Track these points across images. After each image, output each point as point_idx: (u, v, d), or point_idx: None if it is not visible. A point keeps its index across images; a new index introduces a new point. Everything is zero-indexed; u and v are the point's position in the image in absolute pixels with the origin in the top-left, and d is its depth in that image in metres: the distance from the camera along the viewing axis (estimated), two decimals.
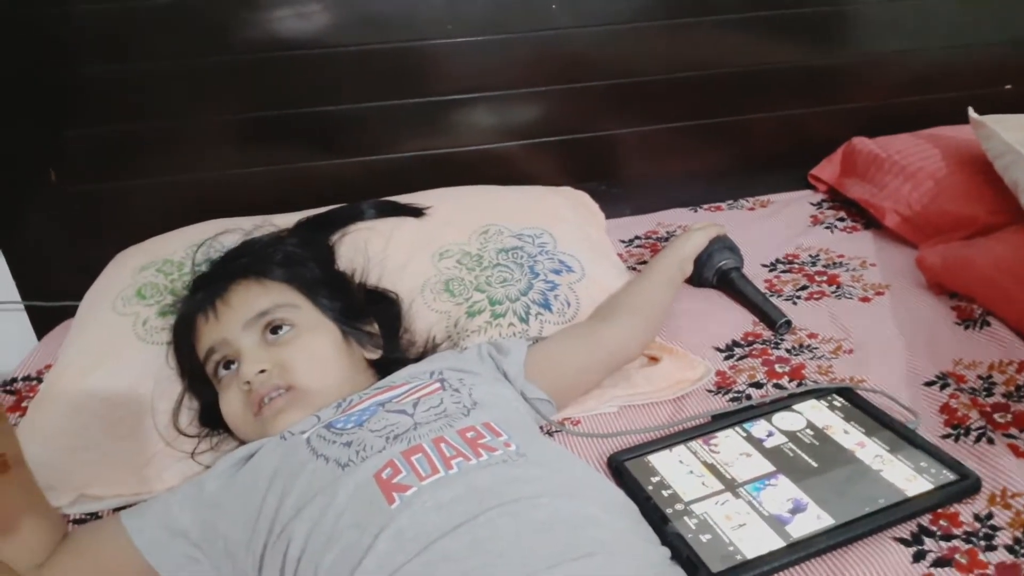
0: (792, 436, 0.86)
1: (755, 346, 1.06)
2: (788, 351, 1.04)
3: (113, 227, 1.25)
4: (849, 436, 0.85)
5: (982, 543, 0.71)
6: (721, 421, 0.90)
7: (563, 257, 1.12)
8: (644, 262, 1.31)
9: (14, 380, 1.08)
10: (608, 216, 1.40)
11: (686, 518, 0.76)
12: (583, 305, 1.06)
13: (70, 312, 1.23)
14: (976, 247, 1.11)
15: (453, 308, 1.04)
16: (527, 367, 0.89)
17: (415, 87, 1.32)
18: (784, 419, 0.89)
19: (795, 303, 1.15)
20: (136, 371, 0.93)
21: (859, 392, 0.92)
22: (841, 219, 1.41)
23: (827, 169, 1.52)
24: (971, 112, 1.24)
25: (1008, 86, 1.54)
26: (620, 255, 1.29)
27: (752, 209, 1.49)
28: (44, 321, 1.27)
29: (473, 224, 1.16)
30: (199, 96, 1.24)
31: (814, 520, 0.74)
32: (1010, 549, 0.70)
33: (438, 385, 0.77)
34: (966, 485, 0.77)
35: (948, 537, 0.72)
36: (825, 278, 1.21)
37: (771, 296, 1.16)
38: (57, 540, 0.71)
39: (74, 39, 1.16)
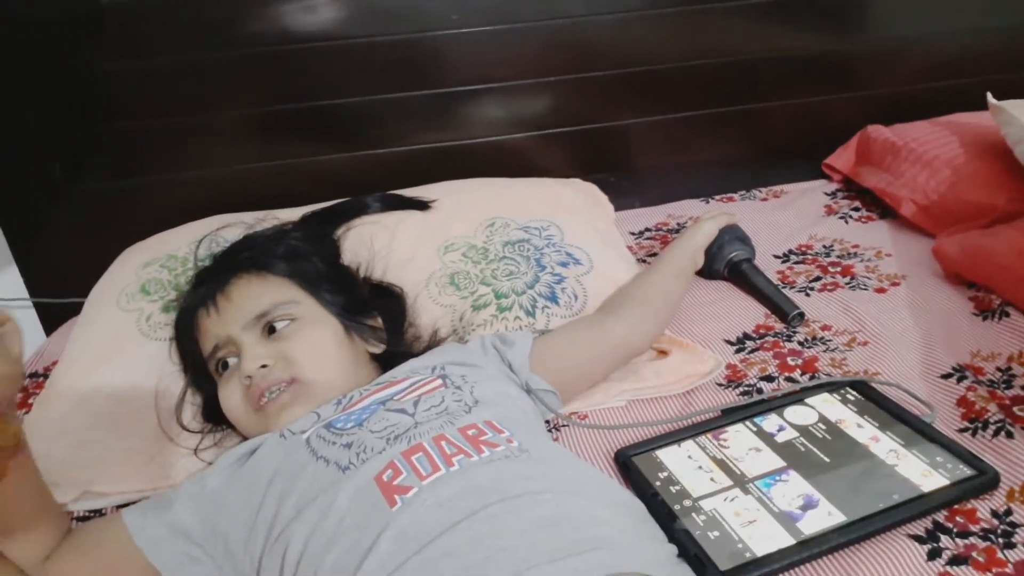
0: (804, 430, 0.84)
1: (767, 339, 1.03)
2: (801, 344, 1.02)
3: (122, 224, 1.25)
4: (863, 430, 0.83)
5: (1000, 541, 0.69)
6: (731, 415, 0.88)
7: (570, 250, 1.11)
8: (654, 254, 1.29)
9: (32, 376, 1.08)
10: (617, 208, 1.38)
11: (694, 515, 0.74)
12: (591, 298, 1.04)
13: (78, 309, 1.24)
14: (995, 236, 1.08)
15: (458, 302, 1.03)
16: (532, 359, 0.87)
17: (423, 79, 1.31)
18: (796, 413, 0.87)
19: (808, 295, 1.13)
20: (140, 367, 0.92)
21: (873, 385, 0.90)
22: (856, 209, 1.38)
23: (842, 158, 1.49)
24: (989, 97, 1.21)
25: None
26: (630, 247, 1.27)
27: (765, 199, 1.47)
28: (53, 318, 1.28)
29: (479, 217, 1.15)
30: (207, 92, 1.24)
31: (825, 517, 0.72)
32: None
33: (439, 382, 0.76)
34: (984, 481, 0.75)
35: (965, 534, 0.70)
36: (839, 269, 1.19)
37: (783, 288, 1.14)
38: (61, 536, 0.70)
39: (86, 37, 1.15)
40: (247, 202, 1.21)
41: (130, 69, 1.19)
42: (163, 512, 0.70)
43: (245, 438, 0.82)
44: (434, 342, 0.95)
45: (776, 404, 0.88)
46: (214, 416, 0.86)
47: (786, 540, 0.70)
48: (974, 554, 0.68)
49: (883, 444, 0.81)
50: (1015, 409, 0.85)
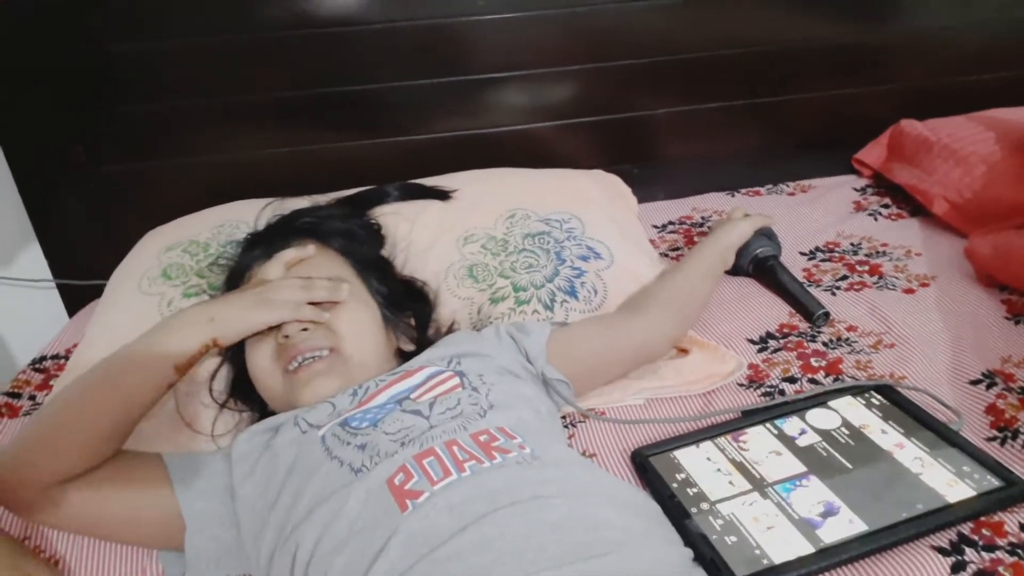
0: (826, 435, 0.82)
1: (790, 338, 1.01)
2: (825, 344, 1.00)
3: (142, 207, 1.25)
4: (887, 436, 0.81)
5: None
6: (752, 417, 0.86)
7: (591, 243, 1.09)
8: (677, 248, 1.27)
9: (43, 359, 1.09)
10: (640, 200, 1.36)
11: (711, 518, 0.73)
12: (611, 293, 1.03)
13: (100, 291, 1.24)
14: None
15: (476, 294, 1.02)
16: (549, 349, 0.86)
17: (445, 66, 1.29)
18: (818, 416, 0.85)
19: (834, 294, 1.11)
20: None
21: (899, 390, 0.88)
22: (886, 205, 1.35)
23: (873, 153, 1.46)
24: None
25: None
26: (652, 241, 1.26)
27: (792, 194, 1.44)
28: (75, 300, 1.29)
29: (499, 208, 1.14)
30: (228, 75, 1.23)
31: (846, 525, 0.70)
32: None
33: (457, 380, 0.75)
34: (1012, 492, 0.72)
35: (991, 548, 0.68)
36: (867, 268, 1.16)
37: (809, 286, 1.12)
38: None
39: (103, 19, 1.15)
40: (265, 188, 1.20)
41: (149, 50, 1.18)
42: (213, 484, 0.70)
43: (263, 416, 0.82)
44: (448, 332, 0.94)
45: (798, 407, 0.87)
46: (240, 391, 0.86)
47: (805, 548, 0.69)
48: (1000, 569, 0.66)
49: (908, 451, 0.79)
50: None
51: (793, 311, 1.07)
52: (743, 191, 1.46)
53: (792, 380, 0.94)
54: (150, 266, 1.03)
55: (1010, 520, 0.71)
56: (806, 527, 0.71)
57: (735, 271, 1.16)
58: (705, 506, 0.74)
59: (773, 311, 1.08)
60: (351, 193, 1.14)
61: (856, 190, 1.42)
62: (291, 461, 0.69)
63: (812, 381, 0.93)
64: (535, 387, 0.82)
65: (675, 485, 0.77)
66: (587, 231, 1.11)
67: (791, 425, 0.84)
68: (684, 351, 0.97)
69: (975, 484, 0.74)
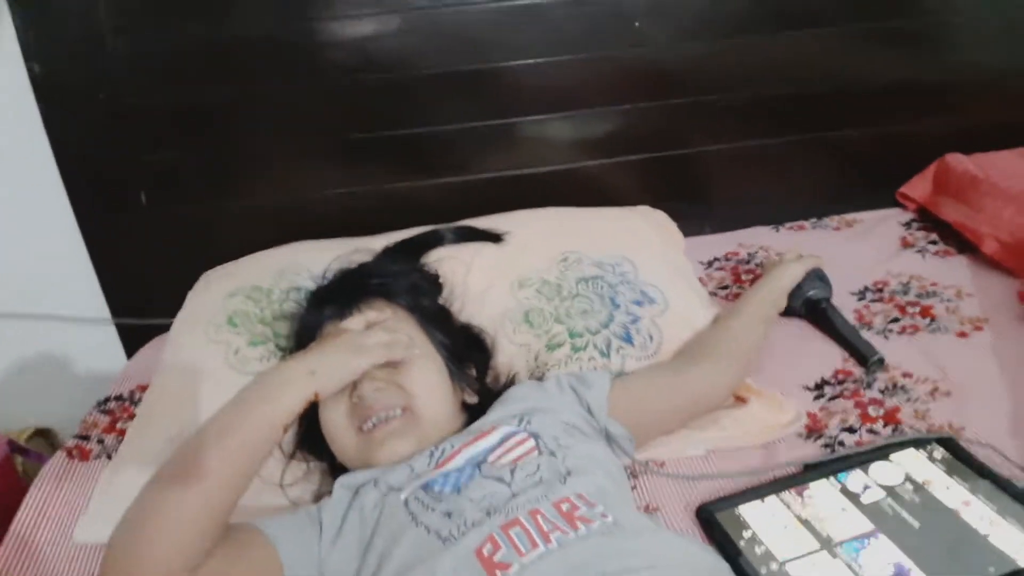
0: (891, 491, 0.83)
1: (846, 385, 1.02)
2: (881, 392, 1.00)
3: (202, 246, 1.28)
4: (951, 493, 0.82)
5: None
6: (814, 471, 0.87)
7: (645, 287, 1.10)
8: (725, 287, 1.28)
9: (107, 400, 1.12)
10: (686, 234, 1.37)
11: None
12: (666, 339, 1.04)
13: (160, 329, 1.27)
14: None
15: (533, 340, 1.04)
16: (610, 402, 0.88)
17: (498, 107, 1.31)
18: (881, 470, 0.86)
19: (887, 337, 1.11)
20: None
21: (962, 443, 0.88)
22: (933, 242, 1.35)
23: (918, 187, 1.45)
24: None
25: None
26: (700, 278, 1.26)
27: (838, 228, 1.44)
28: (133, 338, 1.31)
29: (552, 251, 1.15)
30: (288, 119, 1.25)
31: None
32: None
33: (533, 444, 0.76)
34: None
35: None
36: (918, 309, 1.16)
37: (861, 329, 1.12)
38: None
39: (171, 64, 1.18)
40: (323, 229, 1.24)
41: (213, 96, 1.21)
42: (309, 554, 0.71)
43: (334, 470, 0.84)
44: (510, 383, 0.95)
45: (860, 460, 0.87)
46: (309, 444, 0.88)
47: None
48: None
49: (974, 510, 0.79)
50: None
51: (847, 355, 1.08)
52: (787, 225, 1.47)
53: (851, 430, 0.94)
54: (214, 312, 1.05)
55: None
56: None
57: (786, 312, 1.16)
58: (774, 567, 0.75)
59: (827, 356, 1.08)
60: (407, 237, 1.15)
61: (902, 225, 1.42)
62: (374, 524, 0.71)
63: (871, 431, 0.94)
64: (602, 444, 0.83)
65: (742, 543, 0.78)
66: (640, 275, 1.12)
67: (854, 480, 0.85)
68: (742, 399, 0.98)
69: None
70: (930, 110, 1.45)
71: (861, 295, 1.22)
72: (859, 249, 1.35)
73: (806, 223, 1.47)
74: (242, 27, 1.19)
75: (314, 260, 1.11)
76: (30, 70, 1.13)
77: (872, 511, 0.81)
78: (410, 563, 0.65)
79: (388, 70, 1.23)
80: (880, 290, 1.23)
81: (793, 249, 1.18)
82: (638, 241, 1.21)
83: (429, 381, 0.82)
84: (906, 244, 1.36)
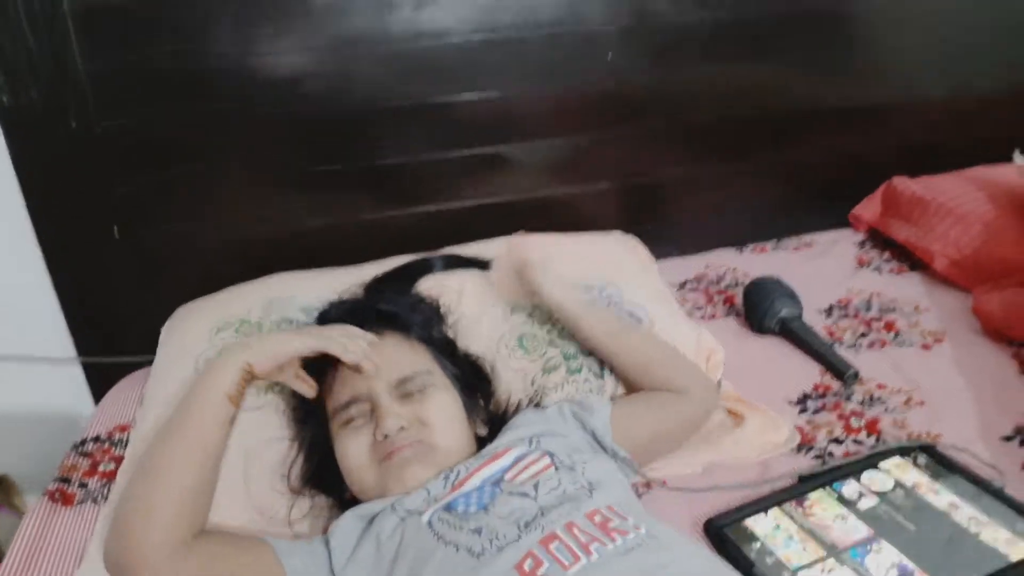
0: (884, 497, 0.87)
1: (827, 399, 1.07)
2: (860, 403, 1.06)
3: (170, 280, 1.25)
4: (940, 496, 0.87)
5: None
6: (810, 482, 0.91)
7: (632, 308, 1.13)
8: (700, 307, 1.32)
9: (84, 442, 1.07)
10: (656, 257, 1.41)
11: None
12: None
13: (128, 367, 1.23)
14: None
15: (528, 365, 1.05)
16: (612, 427, 0.90)
17: (470, 137, 1.33)
18: (872, 478, 0.90)
19: (857, 351, 1.17)
20: (232, 440, 0.92)
21: (941, 450, 0.94)
22: (887, 260, 1.43)
23: (867, 208, 1.54)
24: (1017, 156, 1.27)
25: None
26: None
27: (797, 249, 1.51)
28: (101, 378, 1.26)
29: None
30: (254, 150, 1.24)
31: None
32: None
33: (548, 461, 0.78)
34: None
35: None
36: (882, 324, 1.23)
37: (833, 344, 1.18)
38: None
39: (139, 92, 1.15)
40: (294, 259, 1.21)
41: (189, 121, 1.19)
42: (317, 564, 0.75)
43: (343, 504, 0.83)
44: (514, 411, 0.96)
45: (852, 469, 0.92)
46: (319, 481, 0.87)
47: None
48: None
49: (963, 511, 0.84)
50: None
51: (823, 370, 1.13)
52: (750, 247, 1.53)
53: (838, 441, 0.99)
54: (203, 348, 1.03)
55: None
56: None
57: (762, 330, 1.22)
58: (787, 575, 0.78)
59: (805, 371, 1.13)
60: (395, 266, 1.15)
61: (856, 245, 1.50)
62: (395, 549, 0.71)
63: (856, 442, 0.99)
64: (611, 461, 0.85)
65: (754, 555, 0.81)
66: (625, 296, 1.15)
67: (849, 488, 0.89)
68: (738, 416, 1.01)
69: None
70: (875, 134, 1.55)
71: (828, 312, 1.28)
72: (820, 269, 1.42)
73: (767, 244, 1.54)
74: (211, 58, 1.17)
75: (300, 291, 1.10)
76: None
77: (869, 517, 0.85)
78: (432, 565, 0.65)
79: (361, 102, 1.24)
80: (845, 307, 1.29)
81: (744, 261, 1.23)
82: (618, 264, 1.24)
83: (447, 413, 0.83)
84: (862, 263, 1.44)
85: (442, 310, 1.02)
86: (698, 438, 0.98)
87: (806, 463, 0.96)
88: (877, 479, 0.90)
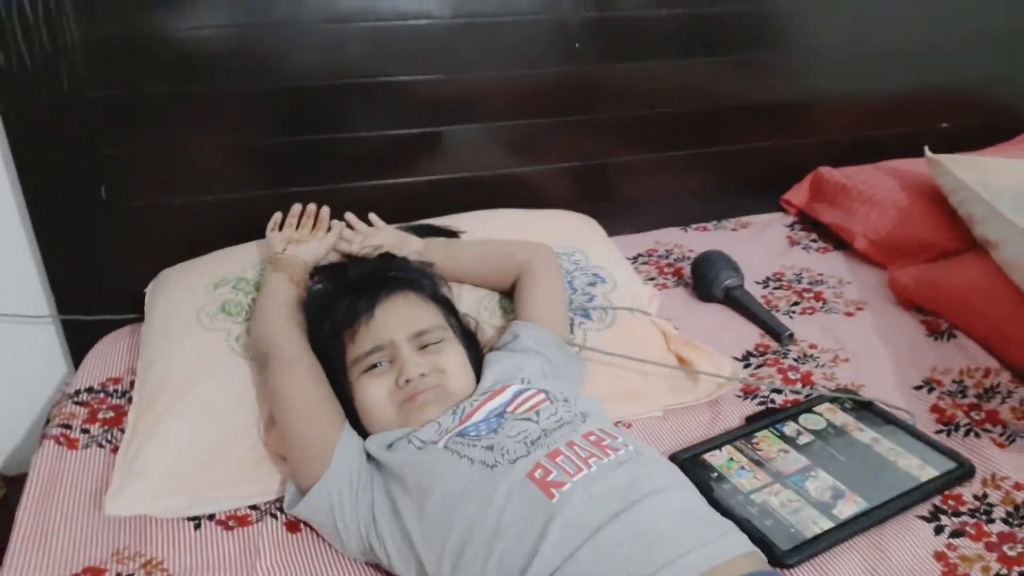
0: (818, 434, 1.02)
1: (767, 356, 1.21)
2: (795, 360, 1.20)
3: (147, 244, 1.29)
4: (864, 433, 1.02)
5: (983, 517, 0.89)
6: (756, 423, 1.04)
7: (596, 271, 1.25)
8: (652, 278, 1.45)
9: (78, 392, 1.11)
10: (608, 234, 1.53)
11: (748, 506, 0.90)
12: (618, 312, 1.18)
13: (105, 327, 1.26)
14: (944, 270, 1.31)
15: (506, 322, 1.15)
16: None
17: (438, 115, 1.41)
18: (808, 420, 1.05)
19: (791, 317, 1.32)
20: (236, 383, 0.99)
21: (867, 398, 1.09)
22: (814, 240, 1.60)
23: (797, 194, 1.71)
24: (927, 152, 1.45)
25: (945, 124, 1.77)
26: None
27: (735, 230, 1.66)
28: (78, 337, 1.29)
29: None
30: (228, 120, 1.29)
31: (853, 504, 0.90)
32: (1005, 521, 0.88)
33: (544, 396, 0.88)
34: (964, 471, 0.95)
35: (957, 514, 0.89)
36: (812, 295, 1.39)
37: (771, 311, 1.32)
38: None
39: (125, 56, 1.19)
40: (261, 230, 1.26)
41: (171, 90, 1.23)
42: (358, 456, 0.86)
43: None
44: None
45: (791, 413, 1.06)
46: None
47: (827, 523, 0.87)
48: (967, 528, 0.87)
49: (883, 444, 1.00)
50: (972, 414, 1.07)
51: (763, 332, 1.27)
52: (694, 226, 1.67)
53: (778, 391, 1.13)
54: (204, 303, 1.08)
55: (966, 492, 0.93)
56: (823, 508, 0.89)
57: (708, 299, 1.35)
58: (741, 497, 0.91)
59: (747, 333, 1.28)
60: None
61: (786, 227, 1.66)
62: (410, 470, 0.80)
63: (793, 392, 1.13)
64: (593, 399, 0.96)
65: (712, 482, 0.94)
66: (591, 261, 1.27)
67: (789, 428, 1.03)
68: (685, 361, 1.13)
69: (937, 468, 0.95)
70: (802, 128, 1.71)
71: (764, 284, 1.43)
72: (756, 247, 1.57)
73: (708, 225, 1.68)
74: (193, 31, 1.21)
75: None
76: None
77: (807, 451, 0.99)
78: (458, 491, 0.75)
79: (338, 76, 1.30)
80: (779, 280, 1.45)
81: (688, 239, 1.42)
82: (582, 236, 1.36)
83: (459, 362, 0.93)
84: (792, 242, 1.60)
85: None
86: (657, 384, 1.10)
87: (751, 409, 1.09)
88: (812, 420, 1.05)
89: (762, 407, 1.10)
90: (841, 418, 1.05)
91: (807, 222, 1.67)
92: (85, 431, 1.02)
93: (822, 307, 1.35)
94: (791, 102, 1.67)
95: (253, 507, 0.92)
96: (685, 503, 0.75)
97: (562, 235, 1.33)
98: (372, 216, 1.21)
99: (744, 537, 0.75)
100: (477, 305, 1.16)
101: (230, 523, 0.90)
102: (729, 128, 1.64)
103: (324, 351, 0.94)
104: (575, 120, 1.51)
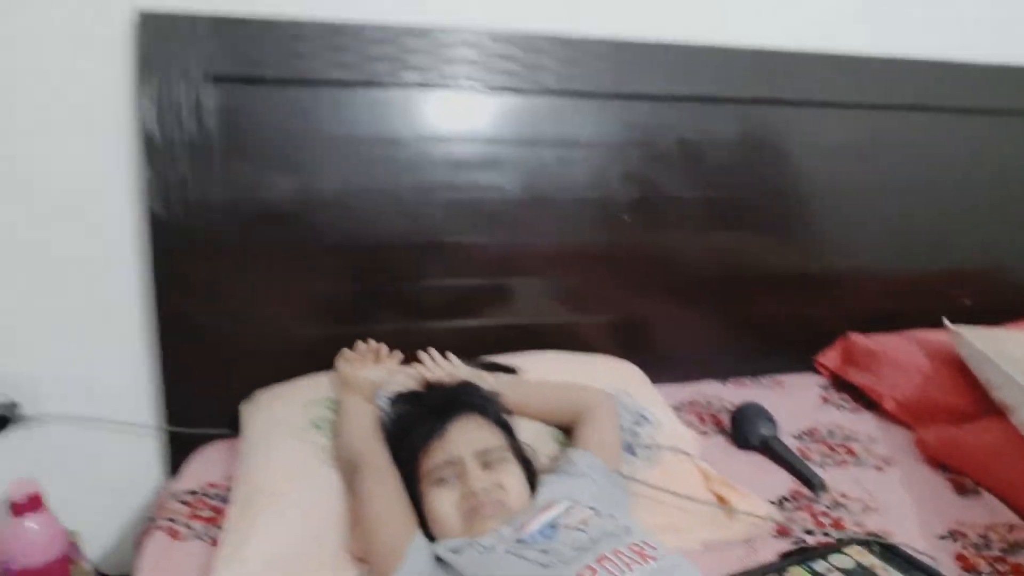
0: (847, 572, 1.10)
1: (801, 502, 1.31)
2: (827, 507, 1.30)
3: (245, 370, 1.48)
4: (888, 573, 1.10)
5: None
6: (789, 559, 1.13)
7: (642, 411, 1.38)
8: (694, 426, 1.57)
9: (185, 492, 1.25)
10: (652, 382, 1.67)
11: None
12: (661, 450, 1.30)
13: (201, 439, 1.43)
14: (967, 432, 1.42)
15: (559, 454, 1.28)
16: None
17: (500, 271, 1.62)
18: (838, 559, 1.13)
19: (824, 468, 1.42)
20: (324, 490, 1.13)
21: (893, 543, 1.17)
22: (845, 400, 1.72)
23: (829, 357, 1.84)
24: (947, 323, 1.59)
25: (967, 301, 1.91)
26: None
27: (770, 386, 1.79)
28: (179, 448, 1.46)
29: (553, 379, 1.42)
30: (324, 268, 1.51)
31: None
32: None
33: (592, 512, 1.00)
34: None
35: None
36: (844, 449, 1.49)
37: (806, 461, 1.43)
38: None
39: (254, 215, 1.43)
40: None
41: (285, 244, 1.47)
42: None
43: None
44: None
45: (823, 552, 1.14)
46: None
47: None
48: None
49: None
50: (997, 566, 1.14)
51: (796, 480, 1.37)
52: (732, 381, 1.81)
53: (810, 532, 1.22)
54: (297, 420, 1.25)
55: None
56: None
57: (745, 447, 1.47)
58: None
59: (782, 481, 1.38)
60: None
61: (819, 386, 1.79)
62: (472, 570, 0.92)
63: (825, 534, 1.22)
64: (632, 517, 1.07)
65: None
66: (637, 402, 1.40)
67: (819, 565, 1.11)
68: (723, 500, 1.24)
69: None
70: (829, 296, 1.87)
71: (799, 437, 1.54)
72: (791, 402, 1.69)
73: (746, 380, 1.82)
74: (313, 186, 1.46)
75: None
76: None
77: None
78: None
79: (419, 236, 1.54)
80: (812, 434, 1.55)
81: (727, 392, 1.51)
82: (627, 379, 1.50)
83: (516, 479, 1.07)
84: (825, 400, 1.72)
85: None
86: (697, 520, 1.20)
87: (785, 547, 1.18)
88: (841, 560, 1.13)
89: (795, 546, 1.19)
90: (869, 560, 1.13)
91: (839, 382, 1.79)
92: (188, 526, 1.16)
93: (853, 461, 1.45)
94: (818, 273, 1.85)
95: None
96: None
97: (610, 378, 1.47)
98: (449, 354, 1.38)
99: None
100: (534, 438, 1.30)
101: None
102: (760, 293, 1.82)
103: (402, 464, 1.09)
104: (621, 279, 1.71)
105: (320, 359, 1.44)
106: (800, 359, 1.89)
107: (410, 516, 1.03)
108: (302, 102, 1.42)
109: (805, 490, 1.35)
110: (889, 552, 1.15)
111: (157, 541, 1.11)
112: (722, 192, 1.72)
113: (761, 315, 1.84)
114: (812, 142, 1.76)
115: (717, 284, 1.78)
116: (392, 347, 1.44)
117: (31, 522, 1.21)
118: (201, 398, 1.47)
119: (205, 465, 1.34)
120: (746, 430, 1.47)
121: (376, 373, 1.31)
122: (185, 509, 1.21)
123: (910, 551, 1.15)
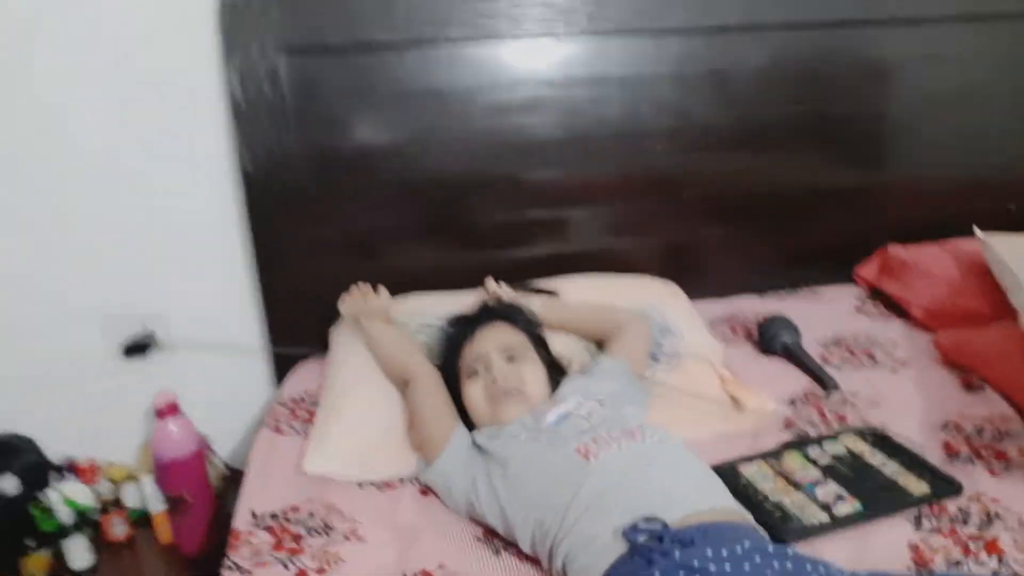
0: (838, 457, 1.27)
1: (811, 401, 1.46)
2: (836, 403, 1.45)
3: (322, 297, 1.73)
4: (875, 458, 1.26)
5: (960, 523, 1.11)
6: (788, 447, 1.30)
7: (668, 323, 1.55)
8: (726, 336, 1.73)
9: (292, 399, 1.55)
10: (692, 299, 1.82)
11: (764, 503, 1.16)
12: (683, 357, 1.48)
13: (297, 357, 1.71)
14: (980, 334, 1.53)
15: (589, 361, 1.48)
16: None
17: (548, 203, 1.80)
18: (831, 446, 1.30)
19: (841, 370, 1.56)
20: (393, 394, 1.38)
21: (886, 432, 1.32)
22: (877, 308, 1.82)
23: (867, 269, 1.94)
24: (976, 231, 1.66)
25: (1012, 206, 1.95)
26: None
27: (807, 298, 1.91)
28: (281, 365, 1.75)
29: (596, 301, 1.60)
30: (395, 205, 1.74)
31: (850, 506, 1.14)
32: (977, 526, 1.10)
33: (598, 404, 1.21)
34: (954, 489, 1.17)
35: (939, 517, 1.12)
36: (866, 354, 1.62)
37: (824, 365, 1.57)
38: None
39: (330, 161, 1.67)
40: (420, 286, 1.68)
41: (359, 185, 1.70)
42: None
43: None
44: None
45: (818, 440, 1.31)
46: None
47: (825, 517, 1.12)
48: (942, 527, 1.10)
49: (889, 467, 1.23)
50: (982, 451, 1.28)
51: (813, 382, 1.53)
52: (769, 294, 1.94)
53: (814, 425, 1.38)
54: None
55: (951, 505, 1.15)
56: (825, 507, 1.14)
57: (768, 352, 1.62)
58: (760, 497, 1.18)
59: (799, 383, 1.53)
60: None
61: (855, 298, 1.89)
62: (499, 452, 1.15)
63: (827, 427, 1.38)
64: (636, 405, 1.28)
65: (739, 485, 1.21)
66: (666, 315, 1.57)
67: (813, 451, 1.29)
68: (736, 399, 1.41)
69: (931, 485, 1.18)
70: (870, 209, 1.95)
71: (826, 345, 1.67)
72: (825, 313, 1.81)
73: (783, 293, 1.94)
74: (383, 135, 1.69)
75: (432, 306, 1.57)
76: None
77: (823, 467, 1.24)
78: (529, 458, 1.11)
79: (474, 172, 1.73)
80: (839, 342, 1.68)
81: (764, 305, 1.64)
82: (661, 297, 1.67)
83: (534, 373, 1.29)
84: (858, 310, 1.83)
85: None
86: (709, 415, 1.39)
87: (788, 438, 1.35)
88: (834, 447, 1.30)
89: (797, 438, 1.36)
90: (860, 446, 1.29)
91: (875, 293, 1.89)
92: (290, 425, 1.45)
93: (870, 364, 1.58)
94: (854, 187, 1.92)
95: (400, 480, 1.30)
96: (693, 471, 1.06)
97: (644, 295, 1.65)
98: (502, 283, 1.57)
99: (737, 503, 1.03)
100: (569, 349, 1.50)
101: (382, 487, 1.28)
102: (798, 210, 1.92)
103: (448, 368, 1.33)
104: (658, 205, 1.86)
105: (391, 286, 1.69)
106: (840, 272, 1.99)
107: (452, 413, 1.27)
108: (360, 65, 1.62)
109: (819, 390, 1.50)
110: (880, 440, 1.31)
111: (265, 437, 1.41)
112: (753, 113, 1.82)
113: (800, 230, 1.94)
114: (855, 61, 1.84)
115: (752, 204, 1.89)
116: (452, 275, 1.67)
117: (172, 424, 1.52)
118: (297, 324, 1.75)
119: (302, 378, 1.63)
120: (769, 337, 1.62)
121: (380, 301, 1.50)
122: (286, 412, 1.50)
123: (900, 440, 1.30)
